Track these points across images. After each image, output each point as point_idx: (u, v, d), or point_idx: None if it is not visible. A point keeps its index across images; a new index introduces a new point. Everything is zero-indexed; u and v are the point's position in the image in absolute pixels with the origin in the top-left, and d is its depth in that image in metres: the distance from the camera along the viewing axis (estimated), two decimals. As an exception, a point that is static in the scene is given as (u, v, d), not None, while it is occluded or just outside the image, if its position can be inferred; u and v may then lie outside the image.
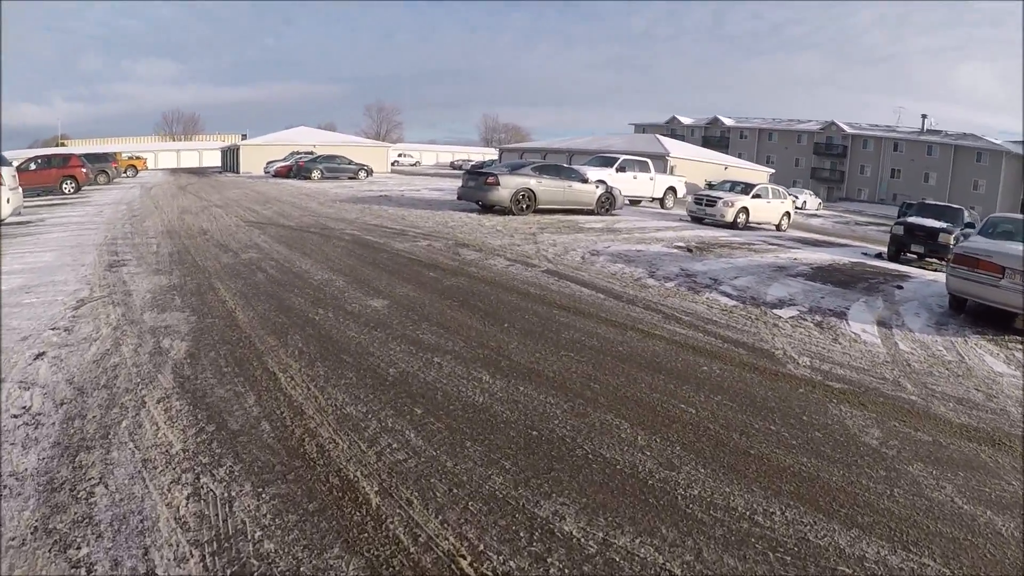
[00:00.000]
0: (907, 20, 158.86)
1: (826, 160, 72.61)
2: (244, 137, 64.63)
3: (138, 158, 51.36)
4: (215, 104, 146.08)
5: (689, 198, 20.94)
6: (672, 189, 25.47)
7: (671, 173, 31.71)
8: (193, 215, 15.36)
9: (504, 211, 16.20)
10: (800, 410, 4.36)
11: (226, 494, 2.98)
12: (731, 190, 21.38)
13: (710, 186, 41.56)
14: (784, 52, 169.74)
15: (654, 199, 24.95)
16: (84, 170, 24.88)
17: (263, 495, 2.98)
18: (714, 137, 78.59)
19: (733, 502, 3.10)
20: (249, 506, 2.89)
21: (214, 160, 66.95)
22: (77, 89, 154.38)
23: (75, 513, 2.83)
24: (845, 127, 71.63)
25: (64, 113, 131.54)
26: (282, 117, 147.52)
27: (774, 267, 11.36)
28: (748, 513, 3.02)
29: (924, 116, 70.20)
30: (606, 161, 23.60)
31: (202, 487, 3.04)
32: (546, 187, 16.74)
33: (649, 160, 25.63)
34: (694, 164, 44.01)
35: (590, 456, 3.47)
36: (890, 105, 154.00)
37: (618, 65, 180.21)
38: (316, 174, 33.93)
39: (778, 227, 21.81)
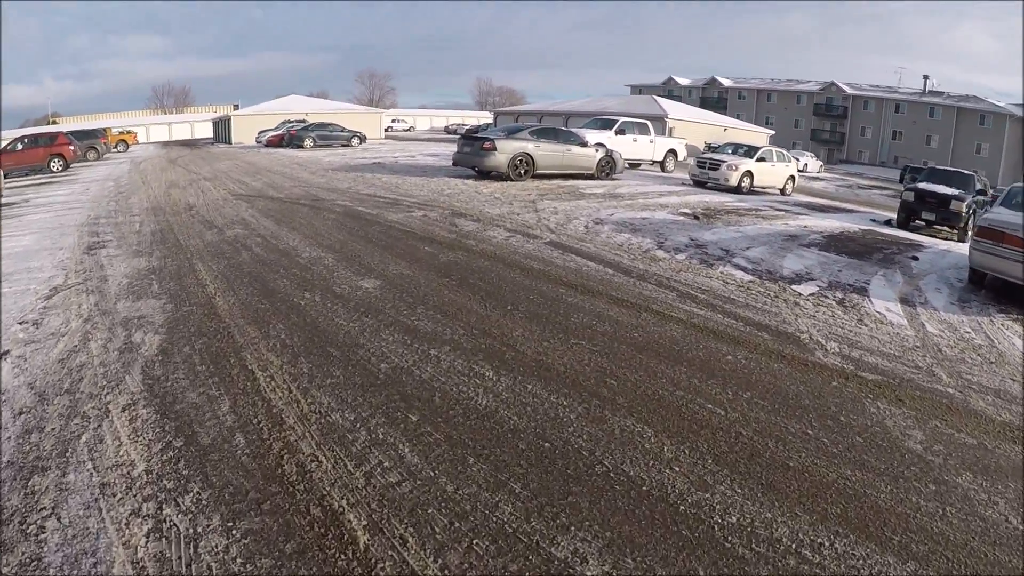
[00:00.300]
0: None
1: (826, 121, 71.50)
2: (236, 108, 63.55)
3: (129, 132, 50.32)
4: (206, 77, 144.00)
5: (691, 161, 20.38)
6: (672, 152, 24.85)
7: (670, 135, 31.07)
8: (181, 189, 14.85)
9: (502, 177, 15.66)
10: (836, 408, 3.96)
11: (191, 530, 2.58)
12: (734, 153, 20.81)
13: (710, 148, 40.89)
14: (774, 10, 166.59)
15: (654, 162, 24.33)
16: (72, 147, 24.57)
17: (233, 531, 2.57)
18: (712, 98, 77.28)
19: (776, 531, 2.70)
20: (217, 546, 2.49)
21: (206, 132, 66.45)
22: (66, 68, 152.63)
23: (23, 554, 2.46)
24: (845, 88, 70.38)
25: (54, 92, 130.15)
26: (274, 87, 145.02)
27: (785, 236, 10.92)
28: (794, 546, 2.62)
29: (926, 77, 68.81)
30: (605, 123, 22.96)
31: (164, 520, 2.64)
32: (544, 152, 16.17)
33: (649, 122, 24.98)
34: (693, 125, 43.24)
35: (611, 474, 3.06)
36: (885, 66, 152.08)
37: (610, 25, 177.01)
38: (308, 142, 33.29)
39: (782, 191, 21.28)
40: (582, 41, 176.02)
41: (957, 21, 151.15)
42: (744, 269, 7.85)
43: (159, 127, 77.30)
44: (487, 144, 15.42)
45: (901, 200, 15.80)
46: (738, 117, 61.40)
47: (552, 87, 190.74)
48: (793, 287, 7.17)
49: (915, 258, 10.12)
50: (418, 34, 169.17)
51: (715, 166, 18.91)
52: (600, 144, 18.19)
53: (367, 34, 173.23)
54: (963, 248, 12.90)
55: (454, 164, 16.85)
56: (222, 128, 52.76)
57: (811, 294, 6.94)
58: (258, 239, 8.28)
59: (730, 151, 21.30)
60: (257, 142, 39.79)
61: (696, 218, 11.83)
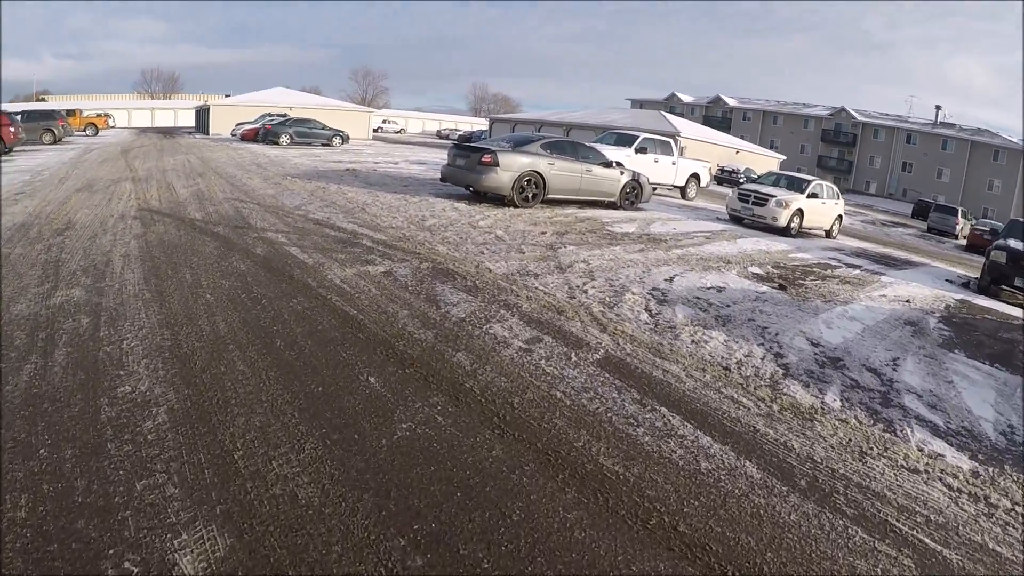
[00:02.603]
0: (904, 7, 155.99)
1: (834, 148, 68.70)
2: (227, 97, 60.34)
3: (100, 116, 47.08)
4: (203, 64, 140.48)
5: (731, 193, 16.91)
6: (695, 176, 21.49)
7: (681, 155, 27.87)
8: (88, 194, 11.19)
9: (504, 201, 12.09)
10: None
11: None
12: (775, 184, 17.36)
13: (724, 173, 37.67)
14: (777, 34, 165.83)
15: (674, 187, 20.93)
16: (12, 129, 21.55)
17: None
18: (715, 117, 74.43)
19: None
20: None
21: (191, 120, 63.11)
22: (66, 46, 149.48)
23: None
24: (856, 114, 67.65)
25: (54, 70, 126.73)
26: (269, 80, 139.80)
27: (905, 323, 7.71)
28: None
29: (938, 107, 66.42)
30: (623, 139, 19.43)
31: None
32: (559, 171, 12.58)
33: (672, 141, 21.53)
34: (704, 146, 40.01)
35: None
36: (888, 96, 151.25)
37: (611, 39, 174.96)
38: (284, 139, 29.89)
39: (828, 233, 17.98)
40: (582, 52, 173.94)
41: (953, 54, 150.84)
42: (938, 431, 4.43)
43: (142, 112, 75.48)
44: (486, 157, 11.79)
45: (989, 260, 12.59)
46: (742, 138, 58.19)
47: (548, 97, 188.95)
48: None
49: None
50: (418, 35, 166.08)
51: (761, 201, 15.44)
52: (618, 163, 14.62)
53: (367, 33, 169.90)
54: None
55: (442, 180, 13.17)
56: (203, 118, 49.20)
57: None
58: (86, 320, 4.60)
59: (771, 182, 17.86)
60: (232, 135, 36.49)
61: (782, 288, 8.35)
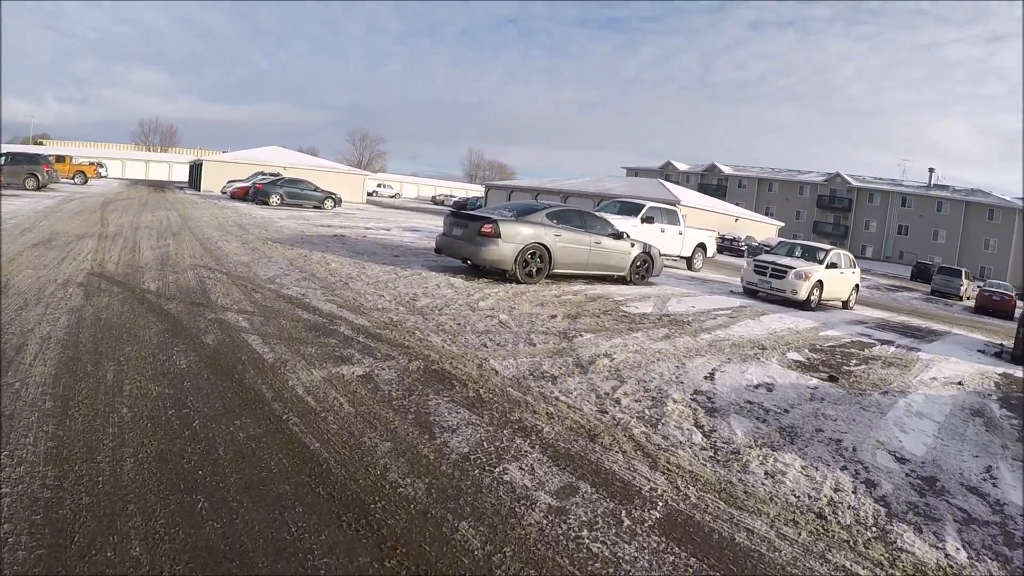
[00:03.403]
0: (888, 75, 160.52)
1: (829, 214, 68.80)
2: (224, 153, 60.23)
3: (91, 164, 46.38)
4: (203, 119, 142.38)
5: (746, 265, 15.85)
6: (702, 246, 20.55)
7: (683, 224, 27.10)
8: (43, 250, 10.01)
9: (505, 276, 10.92)
10: None
11: None
12: (791, 254, 16.40)
13: (725, 241, 36.87)
14: (767, 103, 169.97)
15: (680, 257, 19.95)
16: None
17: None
18: (711, 185, 74.80)
19: None
20: None
21: (184, 174, 63.00)
22: (69, 90, 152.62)
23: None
24: (850, 179, 68.06)
25: (53, 113, 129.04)
26: (267, 138, 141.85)
27: (972, 413, 6.81)
28: None
29: (931, 170, 67.19)
30: (627, 208, 18.59)
31: None
32: (565, 243, 11.48)
33: (678, 210, 20.72)
34: (703, 214, 39.36)
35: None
36: (881, 161, 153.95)
37: (606, 109, 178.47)
38: (275, 199, 29.00)
39: (845, 304, 17.00)
40: (577, 120, 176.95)
41: (938, 117, 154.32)
42: None
43: (136, 163, 75.52)
44: (487, 228, 10.67)
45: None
46: (738, 205, 57.99)
47: (543, 164, 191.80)
48: None
49: None
50: (417, 98, 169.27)
51: (779, 273, 14.39)
52: (624, 234, 13.51)
53: (367, 96, 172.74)
54: None
55: (437, 251, 11.96)
56: (196, 173, 48.58)
57: None
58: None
59: (784, 252, 16.88)
60: (223, 192, 35.77)
61: (832, 379, 7.16)
